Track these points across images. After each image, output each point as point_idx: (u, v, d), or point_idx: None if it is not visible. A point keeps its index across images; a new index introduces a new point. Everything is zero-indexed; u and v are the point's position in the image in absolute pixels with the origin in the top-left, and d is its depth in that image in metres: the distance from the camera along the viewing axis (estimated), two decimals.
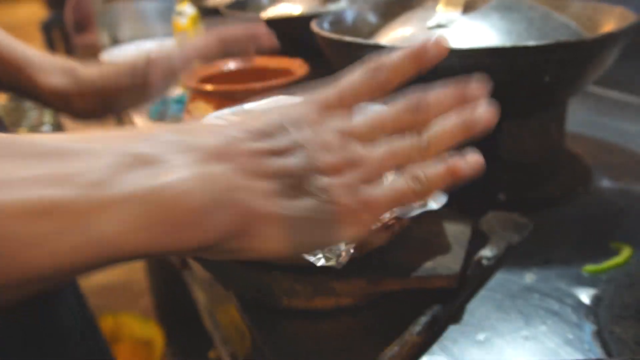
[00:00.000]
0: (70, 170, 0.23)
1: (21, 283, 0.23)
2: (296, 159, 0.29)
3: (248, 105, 0.44)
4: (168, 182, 0.24)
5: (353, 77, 0.33)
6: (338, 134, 0.31)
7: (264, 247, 0.28)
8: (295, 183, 0.28)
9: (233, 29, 0.52)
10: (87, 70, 0.51)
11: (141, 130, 0.28)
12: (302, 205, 0.28)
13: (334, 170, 0.29)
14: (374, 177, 0.31)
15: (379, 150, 0.32)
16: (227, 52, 0.59)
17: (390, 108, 0.33)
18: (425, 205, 0.42)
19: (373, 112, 0.33)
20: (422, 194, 0.32)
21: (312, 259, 0.38)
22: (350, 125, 0.32)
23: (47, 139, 0.24)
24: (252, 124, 0.29)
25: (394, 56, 0.33)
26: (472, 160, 0.33)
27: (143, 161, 0.25)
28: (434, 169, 0.32)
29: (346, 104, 0.33)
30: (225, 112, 0.44)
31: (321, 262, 0.38)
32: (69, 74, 0.52)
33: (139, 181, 0.24)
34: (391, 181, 0.32)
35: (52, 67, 0.52)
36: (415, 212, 0.42)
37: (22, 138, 0.25)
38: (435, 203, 0.43)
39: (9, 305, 0.24)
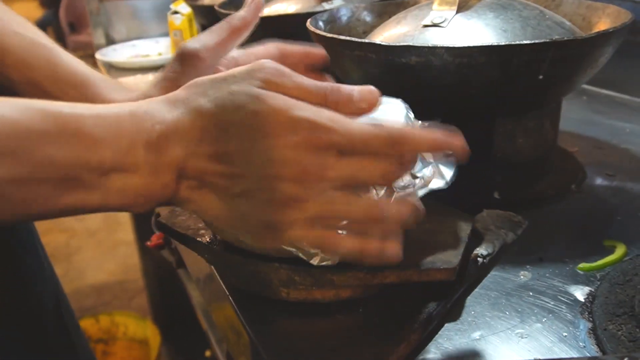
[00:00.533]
0: (86, 156, 0.34)
1: (31, 219, 0.38)
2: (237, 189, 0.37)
3: None
4: (134, 186, 0.36)
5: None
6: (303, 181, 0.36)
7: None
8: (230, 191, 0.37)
9: (291, 44, 0.51)
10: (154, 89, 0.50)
11: (145, 125, 0.36)
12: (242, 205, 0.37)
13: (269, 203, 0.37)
14: (301, 221, 0.37)
15: (327, 198, 0.36)
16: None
17: (369, 134, 0.36)
18: (430, 183, 0.41)
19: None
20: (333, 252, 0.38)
21: (308, 259, 0.38)
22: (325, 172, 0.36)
23: (75, 119, 0.34)
24: (227, 147, 0.36)
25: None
26: (390, 250, 0.38)
27: (131, 164, 0.36)
28: (350, 242, 0.38)
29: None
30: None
31: (317, 262, 0.38)
32: (134, 90, 0.52)
33: (118, 180, 0.36)
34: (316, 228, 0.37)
35: (114, 85, 0.52)
36: (422, 191, 0.41)
37: (64, 114, 0.34)
38: (443, 180, 0.42)
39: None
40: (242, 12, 0.49)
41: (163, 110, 0.36)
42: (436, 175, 0.42)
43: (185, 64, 0.46)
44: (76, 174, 0.34)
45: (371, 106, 0.38)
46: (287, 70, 0.37)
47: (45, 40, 0.51)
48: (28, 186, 0.32)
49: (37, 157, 0.32)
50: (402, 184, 0.40)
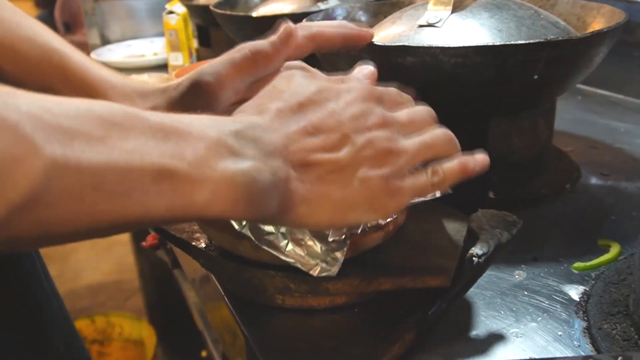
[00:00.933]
0: (182, 147, 0.31)
1: (133, 223, 0.30)
2: (343, 152, 0.35)
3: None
4: (246, 169, 0.32)
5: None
6: (384, 125, 0.37)
7: (305, 222, 0.35)
8: (338, 171, 0.35)
9: (325, 26, 0.45)
10: (176, 92, 0.48)
11: (223, 120, 0.34)
12: (340, 190, 0.35)
13: (374, 163, 0.36)
14: (406, 168, 0.37)
15: (414, 143, 0.38)
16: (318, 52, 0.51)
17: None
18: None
19: (415, 108, 0.41)
20: (439, 186, 0.39)
21: (308, 270, 0.38)
22: (395, 117, 0.38)
23: (158, 117, 0.31)
24: (310, 119, 0.35)
25: None
26: (480, 158, 0.40)
27: (229, 151, 0.32)
28: (449, 164, 0.39)
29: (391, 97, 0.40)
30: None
31: (317, 273, 0.38)
32: (146, 96, 0.50)
33: (228, 166, 0.31)
34: (415, 174, 0.38)
35: (124, 90, 0.50)
36: (415, 201, 0.41)
37: (143, 113, 0.31)
38: (438, 192, 0.42)
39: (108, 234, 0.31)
40: (272, 38, 0.43)
41: (234, 117, 0.36)
42: None
43: (195, 94, 0.45)
44: (173, 166, 0.30)
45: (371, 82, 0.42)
46: (307, 67, 0.40)
47: (57, 44, 0.50)
48: (124, 175, 0.28)
49: (128, 145, 0.29)
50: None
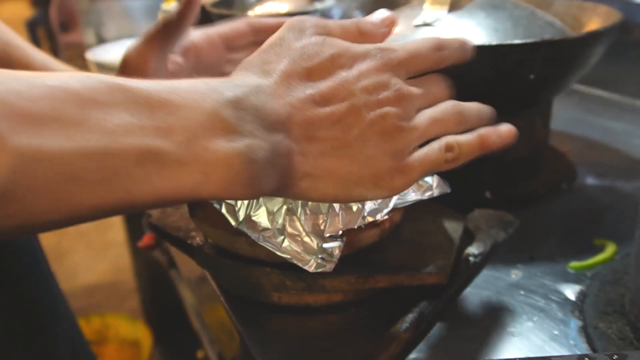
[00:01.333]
0: (170, 124, 0.28)
1: (117, 210, 0.28)
2: (351, 128, 0.33)
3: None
4: (241, 149, 0.29)
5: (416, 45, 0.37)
6: (397, 101, 0.34)
7: (308, 196, 0.34)
8: (344, 147, 0.33)
9: (264, 19, 0.50)
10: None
11: (223, 85, 0.31)
12: (345, 167, 0.33)
13: (383, 140, 0.34)
14: (417, 143, 0.35)
15: (425, 118, 0.35)
16: (256, 42, 0.53)
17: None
18: (423, 193, 0.42)
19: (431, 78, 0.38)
20: (454, 162, 0.36)
21: (304, 265, 0.38)
22: (410, 91, 0.35)
23: (145, 86, 0.29)
24: (319, 88, 0.33)
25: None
26: (505, 131, 0.38)
27: (224, 127, 0.29)
28: (466, 138, 0.36)
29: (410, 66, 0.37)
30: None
31: (313, 269, 0.38)
32: None
33: (221, 145, 0.29)
34: (426, 149, 0.35)
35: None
36: (411, 199, 0.42)
37: (129, 84, 0.28)
38: (436, 191, 0.43)
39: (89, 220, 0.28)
40: (177, 8, 0.49)
41: (236, 77, 0.33)
42: (440, 183, 0.43)
43: (126, 72, 0.47)
44: (158, 147, 0.27)
45: (391, 26, 0.40)
46: (320, 19, 0.37)
47: (16, 40, 0.51)
48: (104, 161, 0.26)
49: (108, 126, 0.26)
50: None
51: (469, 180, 0.40)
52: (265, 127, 0.31)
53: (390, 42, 0.39)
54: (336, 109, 0.33)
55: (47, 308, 0.57)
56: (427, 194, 0.42)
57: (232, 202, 0.39)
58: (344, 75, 0.34)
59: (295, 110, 0.32)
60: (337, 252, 0.38)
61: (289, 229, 0.38)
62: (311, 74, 0.33)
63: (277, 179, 0.31)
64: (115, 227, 2.33)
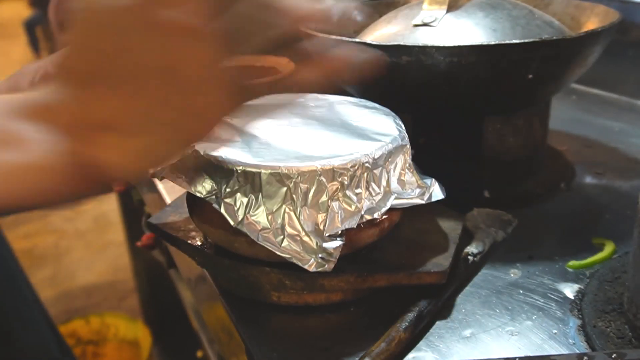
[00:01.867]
0: None
1: None
2: (130, 116, 0.30)
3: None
4: (24, 162, 0.28)
5: None
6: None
7: (119, 177, 0.31)
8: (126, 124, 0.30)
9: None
10: None
11: (12, 97, 0.31)
12: (137, 145, 0.30)
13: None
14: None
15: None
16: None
17: None
18: (421, 198, 0.42)
19: None
20: None
21: (304, 265, 0.38)
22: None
23: None
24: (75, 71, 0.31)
25: None
26: None
27: (4, 139, 0.29)
28: None
29: None
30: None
31: (313, 268, 0.38)
32: None
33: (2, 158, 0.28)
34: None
35: None
36: (408, 203, 0.42)
37: None
38: (432, 197, 0.43)
39: None
40: None
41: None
42: (438, 187, 0.43)
43: None
44: None
45: None
46: None
47: None
48: None
49: None
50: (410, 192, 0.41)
51: (467, 179, 0.40)
52: (47, 131, 0.30)
53: (390, 42, 0.38)
54: (115, 99, 0.30)
55: (14, 316, 0.56)
56: (426, 198, 0.42)
57: (231, 201, 0.39)
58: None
59: (76, 108, 0.31)
60: (336, 251, 0.38)
61: (289, 229, 0.38)
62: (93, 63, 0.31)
63: (76, 179, 0.30)
64: (114, 227, 2.33)
